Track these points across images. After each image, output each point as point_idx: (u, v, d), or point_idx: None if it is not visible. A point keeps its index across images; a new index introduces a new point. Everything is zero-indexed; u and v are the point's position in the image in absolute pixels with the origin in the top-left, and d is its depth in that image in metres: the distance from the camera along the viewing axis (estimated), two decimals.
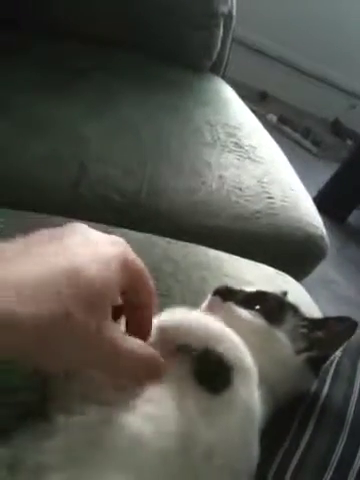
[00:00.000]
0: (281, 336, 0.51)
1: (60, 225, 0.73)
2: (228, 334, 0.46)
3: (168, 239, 0.86)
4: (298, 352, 0.52)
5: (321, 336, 0.53)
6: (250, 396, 0.45)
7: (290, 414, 0.54)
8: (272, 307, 0.53)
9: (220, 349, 0.44)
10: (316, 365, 0.53)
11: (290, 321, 0.53)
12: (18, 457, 0.41)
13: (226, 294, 0.54)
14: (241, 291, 0.55)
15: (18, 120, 1.06)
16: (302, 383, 0.54)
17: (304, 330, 0.53)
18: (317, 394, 0.55)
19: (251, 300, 0.53)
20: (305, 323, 0.54)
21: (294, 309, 0.54)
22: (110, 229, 0.84)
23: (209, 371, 0.45)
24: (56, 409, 0.46)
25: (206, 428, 0.43)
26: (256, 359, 0.47)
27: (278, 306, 0.54)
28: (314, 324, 0.54)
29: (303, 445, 0.49)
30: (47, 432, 0.43)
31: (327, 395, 0.55)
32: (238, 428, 0.45)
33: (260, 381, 0.47)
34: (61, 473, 0.40)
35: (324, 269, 1.24)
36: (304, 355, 0.52)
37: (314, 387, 0.56)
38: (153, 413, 0.45)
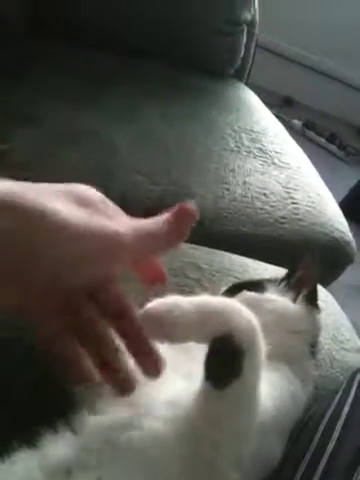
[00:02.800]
0: (278, 298, 0.59)
1: None
2: (243, 314, 0.44)
3: (193, 245, 0.86)
4: (294, 300, 0.59)
5: (299, 277, 0.62)
6: (256, 385, 0.44)
7: (314, 426, 0.54)
8: (254, 287, 0.61)
9: (235, 334, 0.42)
10: (313, 300, 0.62)
11: (272, 287, 0.61)
12: (48, 456, 0.42)
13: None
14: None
15: (45, 129, 1.08)
16: (314, 325, 0.61)
17: (284, 283, 0.62)
18: (341, 405, 0.55)
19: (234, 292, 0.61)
20: (282, 279, 0.63)
21: (267, 280, 0.64)
22: None
23: (219, 363, 0.43)
24: (86, 410, 0.47)
25: (210, 427, 0.44)
26: (275, 336, 0.49)
27: (257, 284, 0.62)
28: (289, 274, 0.64)
29: (327, 455, 0.49)
30: (77, 432, 0.44)
31: (351, 405, 0.54)
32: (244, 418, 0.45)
33: (288, 361, 0.50)
34: (89, 473, 0.41)
35: (351, 275, 1.22)
36: (300, 298, 0.60)
37: (337, 399, 0.56)
38: (172, 416, 0.45)
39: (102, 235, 0.38)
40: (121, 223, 0.40)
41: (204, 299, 0.44)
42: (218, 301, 0.44)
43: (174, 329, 0.42)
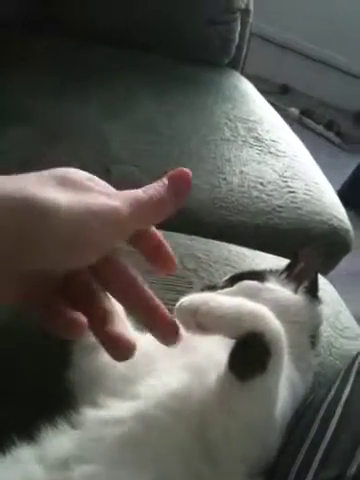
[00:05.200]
0: (279, 288, 0.59)
1: None
2: (273, 318, 0.46)
3: (190, 236, 0.86)
4: (295, 291, 0.60)
5: (300, 268, 0.62)
6: (276, 384, 0.46)
7: (312, 412, 0.54)
8: (254, 277, 0.61)
9: (266, 335, 0.44)
10: (314, 292, 0.62)
11: (273, 278, 0.61)
12: (47, 450, 0.43)
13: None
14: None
15: (38, 125, 1.07)
16: (315, 317, 0.61)
17: (284, 275, 0.62)
18: (340, 392, 0.55)
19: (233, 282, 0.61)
20: (283, 270, 0.63)
21: (267, 271, 0.64)
22: None
23: (246, 356, 0.45)
24: (85, 403, 0.47)
25: (226, 417, 0.44)
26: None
27: (258, 274, 0.62)
28: (290, 266, 0.63)
29: (325, 443, 0.49)
30: (76, 426, 0.45)
31: (350, 391, 0.54)
32: (258, 416, 0.46)
33: (287, 351, 0.48)
34: (88, 466, 0.41)
35: (349, 262, 1.22)
36: (301, 289, 0.60)
37: (336, 385, 0.56)
38: (176, 407, 0.45)
39: (100, 212, 0.37)
40: (115, 197, 0.39)
41: (240, 299, 0.46)
42: (253, 304, 0.46)
43: (208, 319, 0.43)
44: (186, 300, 0.46)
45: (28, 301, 0.39)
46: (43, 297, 0.40)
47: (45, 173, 0.38)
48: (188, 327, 0.45)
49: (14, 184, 0.35)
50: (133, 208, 0.39)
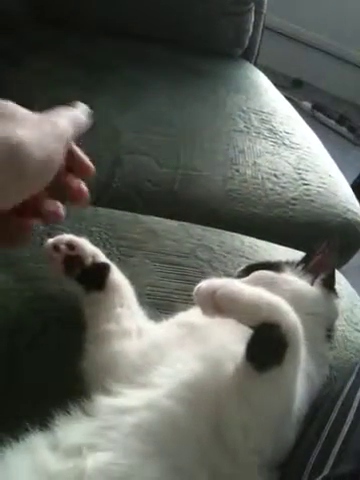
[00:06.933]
0: (295, 279, 0.59)
1: (94, 216, 0.73)
2: (290, 311, 0.46)
3: (203, 227, 0.86)
4: (312, 283, 0.60)
5: (317, 261, 0.62)
6: (294, 376, 0.45)
7: (329, 406, 0.53)
8: (270, 268, 0.61)
9: (282, 325, 0.44)
10: (330, 284, 0.61)
11: (289, 269, 0.61)
12: (60, 438, 0.42)
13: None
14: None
15: None
16: (331, 310, 0.61)
17: (301, 267, 0.62)
18: (356, 385, 0.54)
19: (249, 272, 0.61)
20: (299, 262, 0.63)
21: (284, 262, 0.64)
22: (145, 218, 0.84)
23: (263, 348, 0.45)
24: (97, 391, 0.47)
25: (244, 408, 0.43)
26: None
27: (274, 265, 0.62)
28: (306, 258, 0.63)
29: (342, 437, 0.48)
30: (89, 413, 0.44)
31: None
32: (276, 408, 0.45)
33: (304, 343, 0.48)
34: (100, 454, 0.40)
35: None
36: (317, 282, 0.60)
37: (352, 379, 0.56)
38: (191, 398, 0.45)
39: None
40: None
41: (258, 288, 0.46)
42: (271, 295, 0.46)
43: (225, 301, 0.44)
44: (206, 282, 0.46)
45: None
46: None
47: None
48: (205, 308, 0.46)
49: None
50: None
